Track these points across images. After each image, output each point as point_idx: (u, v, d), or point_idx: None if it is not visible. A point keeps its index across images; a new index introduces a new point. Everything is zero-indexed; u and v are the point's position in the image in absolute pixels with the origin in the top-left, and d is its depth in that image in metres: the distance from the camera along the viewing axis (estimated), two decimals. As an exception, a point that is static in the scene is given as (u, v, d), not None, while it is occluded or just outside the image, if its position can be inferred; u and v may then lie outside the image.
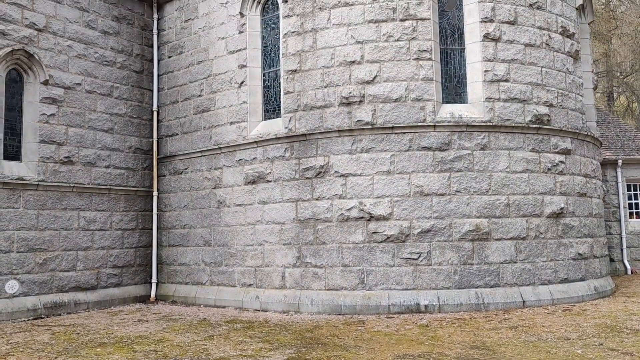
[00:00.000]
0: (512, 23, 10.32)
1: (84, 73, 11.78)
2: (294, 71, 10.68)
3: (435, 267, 9.64)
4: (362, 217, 9.88)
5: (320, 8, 10.50)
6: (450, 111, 10.03)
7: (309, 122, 10.42)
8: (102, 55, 12.18)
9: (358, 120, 10.04)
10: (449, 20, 10.48)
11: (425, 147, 9.85)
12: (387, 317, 9.20)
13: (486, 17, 10.18)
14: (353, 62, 10.17)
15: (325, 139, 10.26)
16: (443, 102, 10.18)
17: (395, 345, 7.17)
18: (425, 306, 9.46)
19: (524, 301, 9.65)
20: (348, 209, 9.96)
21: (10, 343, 8.05)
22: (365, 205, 9.86)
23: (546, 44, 10.57)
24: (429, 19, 10.07)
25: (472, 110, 10.09)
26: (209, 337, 8.09)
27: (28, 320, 10.23)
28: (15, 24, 10.70)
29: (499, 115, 10.05)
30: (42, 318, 10.44)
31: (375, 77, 10.04)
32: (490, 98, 10.07)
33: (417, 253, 9.67)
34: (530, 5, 10.50)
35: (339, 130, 10.12)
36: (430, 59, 9.99)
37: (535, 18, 10.50)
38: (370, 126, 9.97)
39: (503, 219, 9.88)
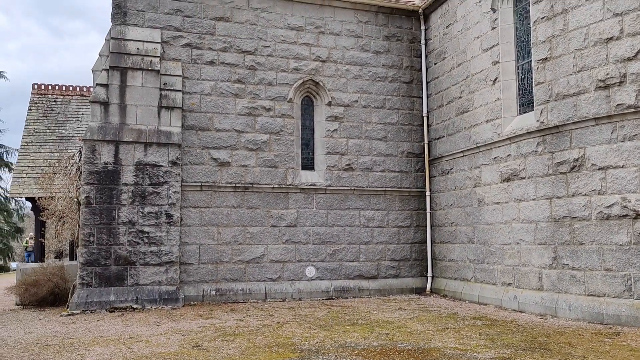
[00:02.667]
0: None
1: (359, 91, 13.66)
2: (544, 59, 10.01)
3: None
4: (627, 215, 8.57)
5: (570, -14, 9.58)
6: None
7: (561, 113, 9.62)
8: (374, 73, 13.85)
9: (618, 105, 8.77)
10: None
11: None
12: (656, 333, 7.80)
13: None
14: (610, 38, 8.93)
15: (579, 129, 9.30)
16: None
17: (629, 362, 6.23)
18: None
19: None
20: (608, 206, 8.79)
21: (296, 315, 10.25)
22: (630, 201, 8.53)
23: None
24: None
25: None
26: (442, 329, 8.55)
27: (322, 299, 12.56)
28: (305, 60, 13.30)
29: None
30: (332, 299, 12.64)
31: (638, 52, 8.59)
32: None
33: None
34: None
35: (595, 118, 9.04)
36: None
37: None
38: (633, 109, 8.58)
39: None
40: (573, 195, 9.35)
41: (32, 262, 24.80)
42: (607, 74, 8.92)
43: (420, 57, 14.22)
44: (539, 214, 10.01)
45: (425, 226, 13.82)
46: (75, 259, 15.41)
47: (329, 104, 13.37)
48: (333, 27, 13.57)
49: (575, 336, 7.77)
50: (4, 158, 31.70)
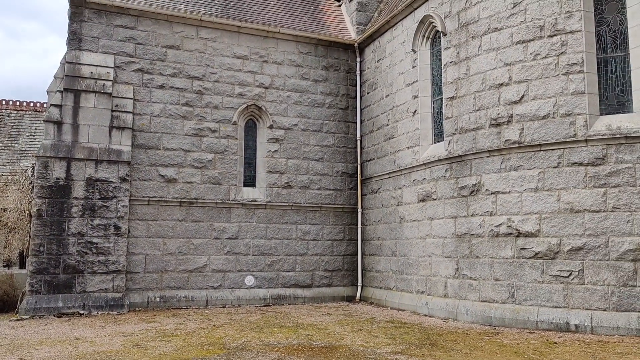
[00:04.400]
0: (690, 17, 9.16)
1: (299, 115, 15.00)
2: (452, 98, 11.63)
3: (588, 287, 9.30)
4: (511, 233, 10.20)
5: (472, 37, 11.24)
6: (608, 123, 9.50)
7: (464, 144, 11.23)
8: (313, 100, 15.23)
9: (506, 140, 10.42)
10: (610, 26, 9.90)
11: (575, 163, 9.61)
12: (529, 332, 9.37)
13: (652, 17, 9.32)
14: (501, 84, 10.61)
15: (477, 159, 10.92)
16: (601, 114, 9.70)
17: (492, 355, 7.71)
18: (576, 326, 9.23)
19: None
20: (497, 225, 10.41)
21: (232, 319, 11.38)
22: (514, 222, 10.16)
23: None
24: (579, 31, 9.79)
25: (635, 120, 9.34)
26: (357, 330, 9.88)
27: (259, 306, 13.71)
28: (250, 86, 14.54)
29: (670, 123, 9.06)
30: (269, 306, 13.82)
31: (522, 97, 10.28)
32: (659, 104, 9.16)
33: (568, 271, 9.49)
34: None
35: (489, 151, 10.67)
36: (581, 71, 9.71)
37: None
38: (517, 145, 10.24)
39: (677, 238, 8.85)
40: (472, 216, 10.93)
41: None
42: (499, 114, 10.57)
43: (356, 86, 15.71)
44: (446, 231, 11.56)
45: (357, 240, 15.23)
46: (24, 268, 16.01)
47: (271, 127, 14.64)
48: (276, 57, 14.88)
49: (463, 335, 9.26)
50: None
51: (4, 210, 14.03)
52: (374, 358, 7.51)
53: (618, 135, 9.30)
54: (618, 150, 9.31)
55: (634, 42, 9.56)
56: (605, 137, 9.39)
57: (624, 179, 9.22)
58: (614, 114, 9.65)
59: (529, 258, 9.93)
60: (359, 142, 15.53)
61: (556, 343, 8.43)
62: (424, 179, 12.38)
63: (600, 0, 9.96)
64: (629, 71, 9.63)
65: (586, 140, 9.54)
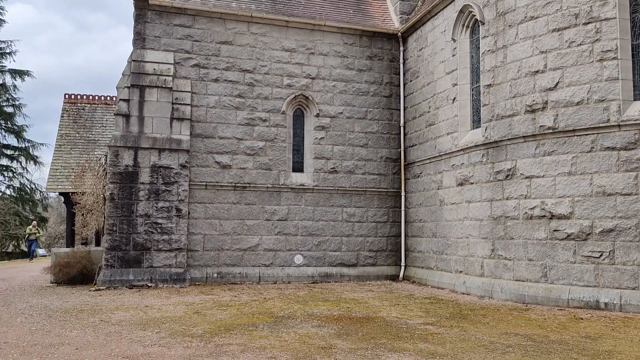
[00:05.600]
0: None
1: (344, 104, 15.76)
2: (489, 85, 12.05)
3: (619, 267, 9.65)
4: (544, 216, 10.63)
5: (509, 25, 11.59)
6: (641, 108, 9.73)
7: (500, 130, 11.67)
8: (358, 88, 15.94)
9: (541, 126, 10.80)
10: (645, 12, 10.04)
11: (608, 147, 9.91)
12: (559, 309, 9.85)
13: (687, 2, 9.43)
14: (537, 71, 10.95)
15: (512, 145, 11.35)
16: (635, 100, 9.91)
17: (514, 326, 8.32)
18: (605, 304, 9.63)
19: None
20: (531, 208, 10.85)
21: (281, 294, 12.44)
22: (547, 205, 10.58)
23: None
24: (614, 18, 10.00)
25: (669, 104, 9.53)
26: (394, 305, 10.68)
27: (307, 283, 14.73)
28: (297, 77, 15.42)
29: None
30: (316, 283, 14.81)
31: (557, 84, 10.60)
32: (693, 89, 9.31)
33: (599, 252, 9.86)
34: None
35: (524, 136, 11.07)
36: (615, 58, 9.94)
37: None
38: (552, 130, 10.60)
39: None
40: (507, 199, 11.41)
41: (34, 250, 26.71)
42: (534, 100, 10.94)
43: (399, 74, 16.27)
44: (482, 213, 12.08)
45: (400, 222, 15.93)
46: (99, 246, 17.77)
47: (317, 115, 15.49)
48: (322, 49, 15.66)
49: (493, 311, 9.87)
50: (31, 152, 34.17)
51: (83, 194, 15.68)
52: (405, 327, 8.30)
53: (651, 120, 9.52)
54: (650, 134, 9.53)
55: (669, 27, 9.69)
56: (638, 122, 9.62)
57: (656, 163, 9.45)
58: (648, 98, 9.84)
59: (562, 239, 10.36)
60: (402, 129, 16.12)
61: (582, 319, 8.92)
62: (462, 163, 12.89)
63: (636, -14, 10.09)
64: (664, 56, 9.78)
65: (619, 125, 9.81)
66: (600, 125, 10.00)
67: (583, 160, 10.19)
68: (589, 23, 10.27)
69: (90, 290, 12.65)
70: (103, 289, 12.73)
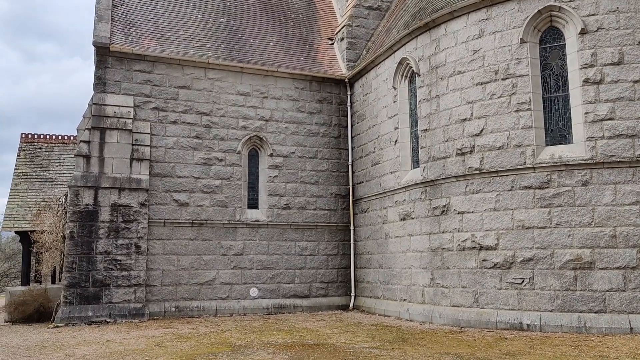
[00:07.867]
0: (617, 64, 10.95)
1: (296, 144, 16.87)
2: (426, 130, 13.45)
3: (538, 292, 10.99)
4: (475, 247, 11.93)
5: (441, 78, 13.09)
6: (551, 153, 11.27)
7: (436, 170, 13.02)
8: (309, 130, 17.11)
9: (469, 167, 12.20)
10: (553, 70, 11.71)
11: (526, 187, 11.36)
12: (488, 331, 11.06)
13: (585, 64, 11.12)
14: (465, 119, 12.42)
15: (446, 184, 12.69)
16: (546, 145, 11.46)
17: (447, 347, 9.42)
18: (528, 325, 10.90)
19: (631, 328, 10.11)
20: (464, 240, 12.14)
21: (238, 325, 13.14)
22: (477, 237, 11.89)
23: (661, 76, 10.72)
24: (527, 75, 11.61)
25: (574, 150, 11.10)
26: (344, 332, 11.60)
27: (262, 315, 15.45)
28: (252, 119, 16.46)
29: (602, 153, 10.81)
30: (271, 314, 15.55)
31: (482, 130, 12.07)
32: (592, 137, 10.92)
33: (521, 279, 11.19)
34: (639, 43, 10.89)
35: (456, 176, 12.44)
36: (529, 109, 11.50)
37: (645, 53, 10.82)
38: (478, 171, 12.01)
39: (609, 250, 10.54)
40: (443, 232, 12.68)
41: None
42: (463, 144, 12.37)
43: (347, 116, 17.58)
44: (422, 246, 13.29)
45: (350, 254, 16.98)
46: (55, 283, 17.89)
47: (271, 155, 16.51)
48: (275, 93, 16.81)
49: (431, 334, 10.96)
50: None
51: (42, 233, 15.94)
52: (352, 351, 9.24)
53: (560, 163, 11.06)
54: (560, 175, 11.06)
55: (572, 84, 11.36)
56: (549, 165, 11.15)
57: (565, 200, 10.95)
58: (557, 144, 11.42)
59: (490, 268, 11.65)
60: (350, 167, 17.34)
61: (506, 339, 10.12)
62: (404, 200, 14.15)
63: (545, 48, 11.79)
64: (569, 108, 11.42)
65: (534, 168, 11.30)
66: (519, 167, 11.48)
67: (505, 198, 11.61)
68: (506, 79, 11.85)
69: (48, 328, 12.94)
70: (62, 326, 13.05)
